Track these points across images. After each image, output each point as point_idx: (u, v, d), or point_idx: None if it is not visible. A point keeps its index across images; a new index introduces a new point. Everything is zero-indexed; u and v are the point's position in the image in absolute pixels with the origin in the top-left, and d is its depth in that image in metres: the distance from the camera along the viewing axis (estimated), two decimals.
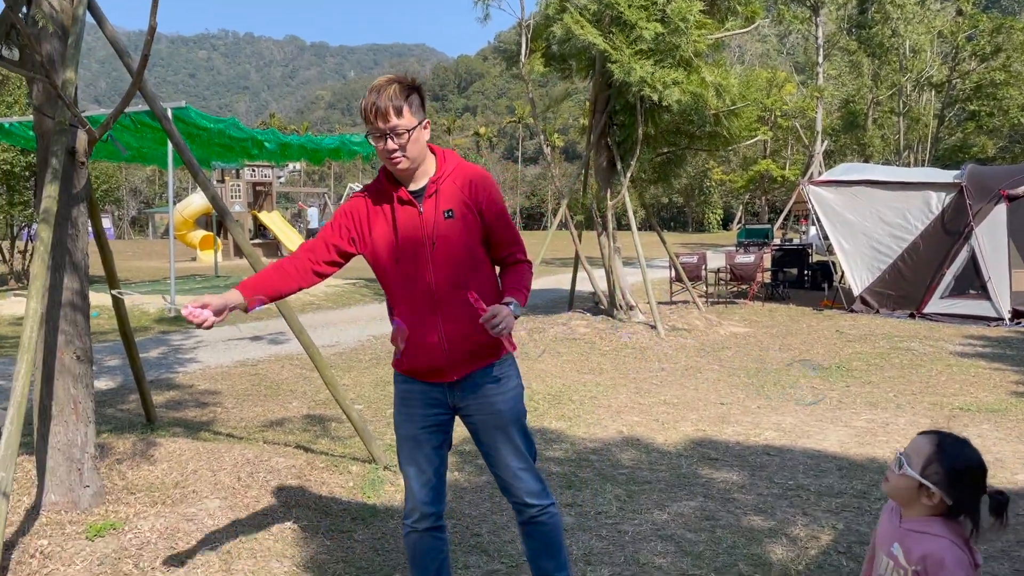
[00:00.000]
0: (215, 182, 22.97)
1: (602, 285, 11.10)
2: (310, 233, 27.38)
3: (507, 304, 2.41)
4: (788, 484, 4.38)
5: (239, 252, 23.43)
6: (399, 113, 2.36)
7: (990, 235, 10.53)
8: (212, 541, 3.48)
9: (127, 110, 9.92)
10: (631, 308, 10.46)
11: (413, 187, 2.49)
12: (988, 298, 10.55)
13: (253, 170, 23.94)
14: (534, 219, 68.18)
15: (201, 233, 23.60)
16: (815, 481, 4.43)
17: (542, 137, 12.45)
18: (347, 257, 2.59)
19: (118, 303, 4.94)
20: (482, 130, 76.86)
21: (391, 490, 4.25)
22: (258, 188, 24.48)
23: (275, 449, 4.84)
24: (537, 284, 16.24)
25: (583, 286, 12.66)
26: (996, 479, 4.40)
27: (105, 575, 3.16)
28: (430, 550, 2.63)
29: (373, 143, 2.41)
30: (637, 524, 3.83)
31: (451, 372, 2.53)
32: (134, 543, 3.40)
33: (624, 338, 9.38)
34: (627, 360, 8.26)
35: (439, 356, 2.50)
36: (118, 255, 4.79)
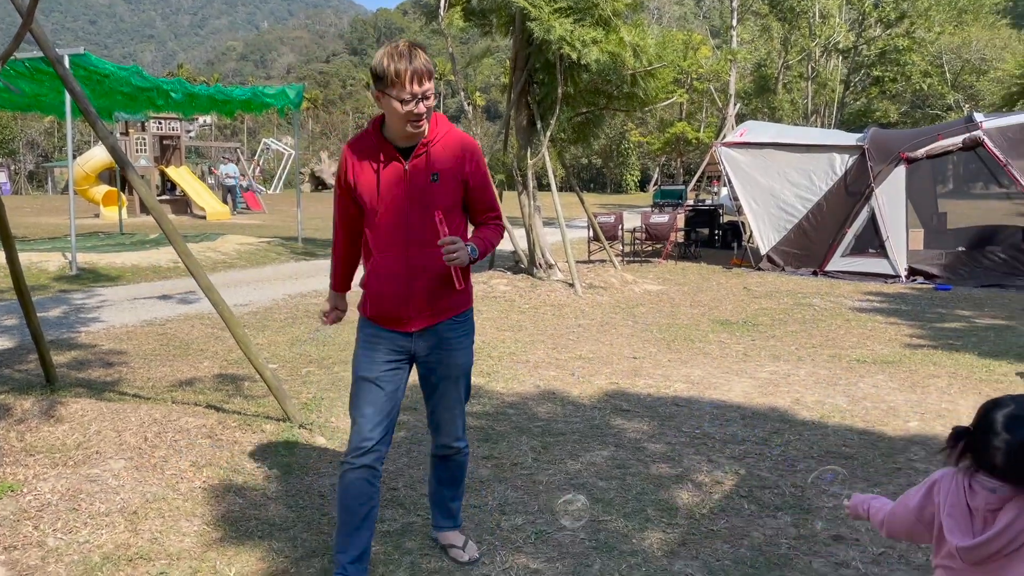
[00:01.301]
0: (118, 135, 21.92)
1: (522, 244, 11.16)
2: (228, 191, 26.24)
3: (466, 245, 2.61)
4: (695, 433, 4.55)
5: (145, 209, 22.52)
6: (430, 77, 2.49)
7: (889, 196, 11.01)
8: (117, 502, 3.40)
9: (21, 55, 9.35)
10: (550, 267, 10.56)
11: (403, 144, 2.61)
12: (886, 256, 11.07)
13: (159, 123, 22.93)
14: None
15: (104, 188, 22.56)
16: (720, 430, 4.61)
17: (463, 95, 12.31)
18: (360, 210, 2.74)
19: (12, 259, 4.70)
20: None
21: (306, 448, 4.23)
22: (165, 142, 23.49)
23: (184, 409, 4.73)
24: None
25: (503, 245, 12.69)
26: (889, 426, 4.68)
27: (3, 537, 3.05)
28: (362, 494, 2.68)
29: (397, 108, 2.47)
30: (551, 474, 3.92)
31: (417, 322, 2.69)
32: (34, 505, 3.29)
33: (543, 296, 9.48)
34: (545, 317, 8.36)
35: (407, 306, 2.65)
36: (15, 211, 4.53)
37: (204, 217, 22.33)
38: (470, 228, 2.84)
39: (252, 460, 4.01)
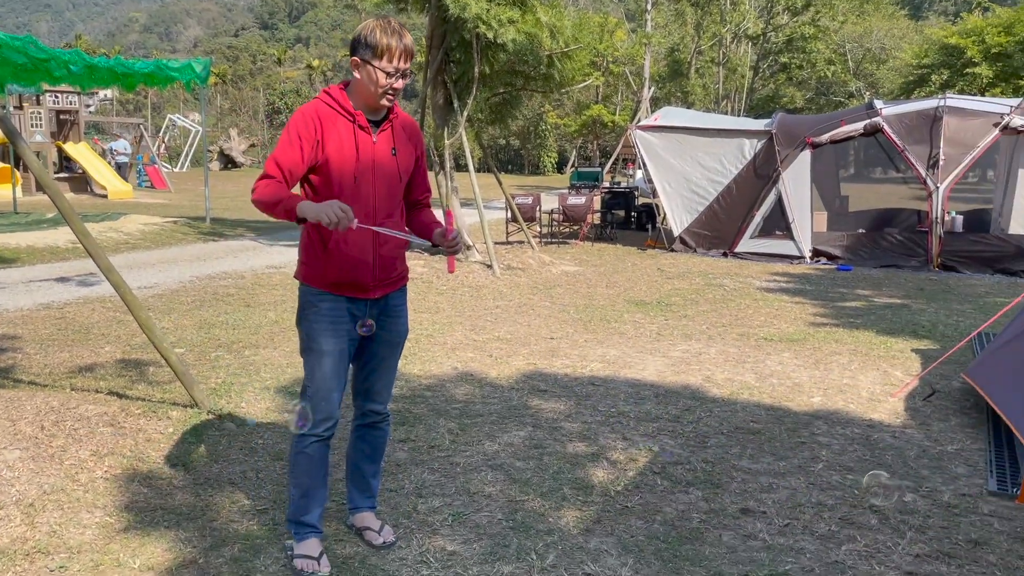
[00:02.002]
0: (11, 109, 20.69)
1: None
2: (119, 168, 24.91)
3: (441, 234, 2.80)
4: (610, 411, 4.62)
5: (41, 186, 21.38)
6: (413, 57, 2.66)
7: (795, 179, 11.40)
8: (12, 494, 3.22)
9: None
10: (468, 248, 10.53)
11: (370, 117, 2.71)
12: (792, 238, 11.47)
13: (56, 96, 21.75)
14: None
15: None
16: (635, 408, 4.69)
17: None
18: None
19: None
20: (315, 63, 73.57)
21: (215, 435, 4.10)
22: (63, 117, 22.30)
23: (84, 396, 4.52)
24: None
25: None
26: (794, 402, 4.85)
27: None
28: (324, 457, 2.86)
29: (378, 79, 2.60)
30: (468, 456, 3.92)
31: (376, 289, 2.79)
32: None
33: (461, 277, 9.45)
34: (463, 299, 8.34)
35: (368, 274, 2.74)
36: None
37: (106, 196, 21.34)
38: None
39: (157, 448, 3.86)
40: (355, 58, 2.63)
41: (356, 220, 2.54)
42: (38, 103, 21.61)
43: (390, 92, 2.65)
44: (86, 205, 18.13)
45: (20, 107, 21.18)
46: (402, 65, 2.62)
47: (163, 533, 3.04)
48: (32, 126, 21.37)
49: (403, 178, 2.79)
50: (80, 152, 22.23)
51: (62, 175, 22.07)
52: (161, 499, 3.33)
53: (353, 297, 2.77)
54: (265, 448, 3.96)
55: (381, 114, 2.73)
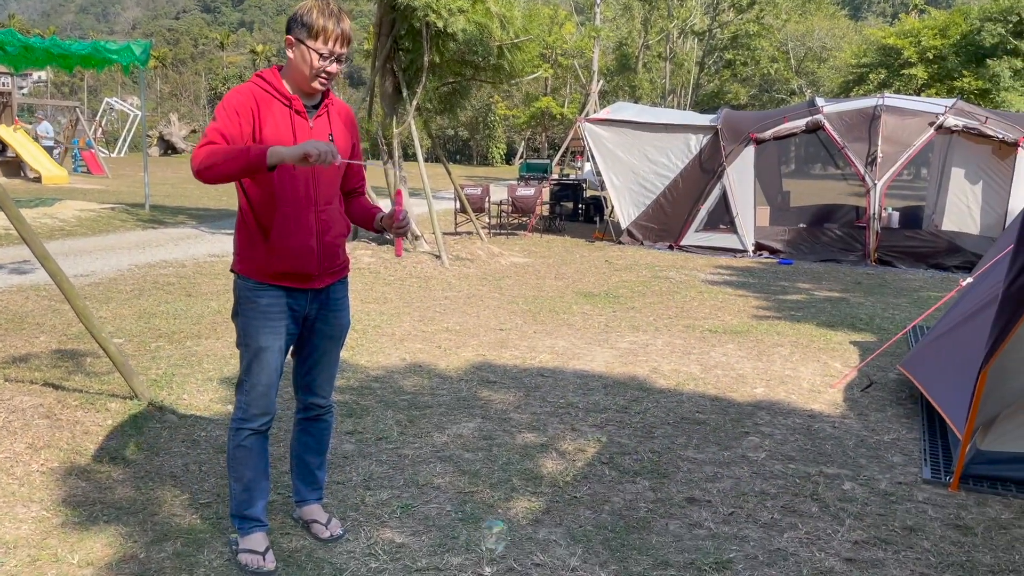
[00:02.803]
0: None
1: None
2: (47, 151, 23.90)
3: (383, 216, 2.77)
4: (559, 403, 4.65)
5: None
6: (351, 43, 2.61)
7: (739, 175, 11.60)
8: None
9: None
10: (416, 238, 10.46)
11: (304, 101, 2.65)
12: (735, 232, 11.68)
13: None
14: None
15: None
16: (583, 399, 4.73)
17: None
18: None
19: None
20: (259, 48, 72.08)
21: (156, 427, 4.00)
22: None
23: (18, 387, 4.36)
24: None
25: None
26: (738, 393, 4.95)
27: None
28: (263, 450, 2.81)
29: (313, 61, 2.53)
30: (417, 447, 3.90)
31: (319, 279, 2.73)
32: None
33: (409, 268, 9.38)
34: (411, 289, 8.29)
35: (313, 262, 2.67)
36: None
37: (39, 180, 20.62)
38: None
39: (96, 441, 3.75)
40: (289, 36, 2.58)
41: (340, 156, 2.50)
42: None
43: (323, 75, 2.58)
44: (19, 190, 17.47)
45: None
46: (337, 49, 2.56)
47: (103, 528, 2.96)
48: None
49: (340, 165, 2.70)
50: (12, 135, 21.42)
51: None
52: (100, 493, 3.24)
53: (294, 288, 2.70)
54: (208, 440, 3.88)
55: (316, 99, 2.68)
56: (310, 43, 2.53)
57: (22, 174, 21.52)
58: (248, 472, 2.78)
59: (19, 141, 21.46)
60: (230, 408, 4.33)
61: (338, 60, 2.58)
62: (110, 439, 3.80)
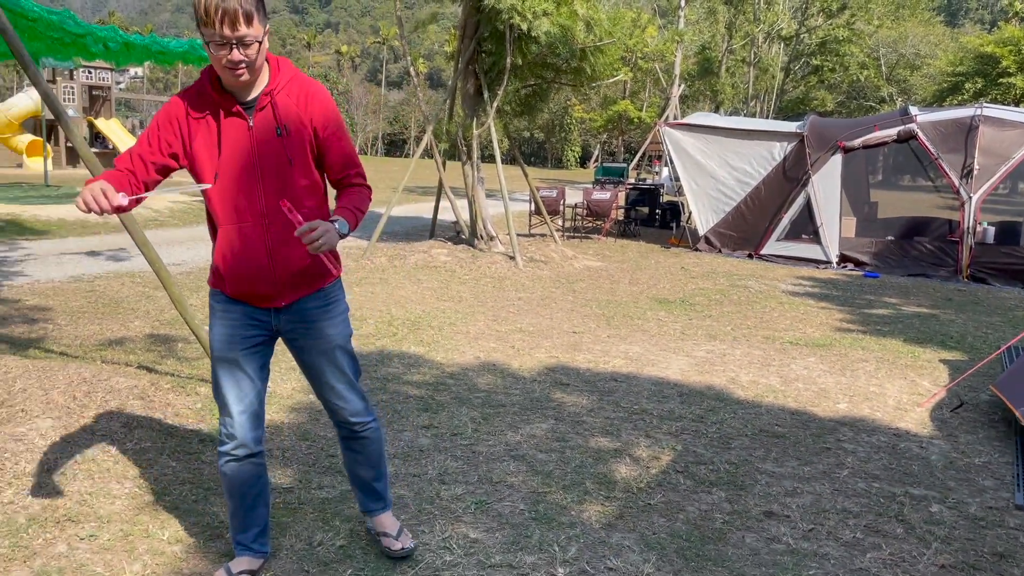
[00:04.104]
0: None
1: (464, 215, 11.09)
2: None
3: (332, 221, 2.27)
4: (633, 408, 4.62)
5: (72, 160, 21.61)
6: (249, 20, 2.15)
7: (825, 183, 11.29)
8: (45, 462, 3.27)
9: None
10: (491, 238, 10.53)
11: (243, 98, 2.30)
12: (819, 243, 11.37)
13: (89, 72, 21.95)
14: (396, 146, 66.72)
15: (28, 138, 21.54)
16: (658, 406, 4.68)
17: (408, 60, 12.09)
18: (168, 172, 2.37)
19: None
20: (344, 48, 73.74)
21: None
22: (95, 92, 22.51)
23: (115, 369, 4.57)
24: (399, 211, 16.00)
25: (445, 215, 12.60)
26: (820, 408, 4.82)
27: None
28: (250, 477, 2.55)
29: (212, 51, 2.16)
30: (491, 445, 3.93)
31: (279, 298, 2.43)
32: None
33: (483, 268, 9.46)
34: (486, 289, 8.35)
35: (267, 281, 2.38)
36: None
37: None
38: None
39: (186, 423, 3.90)
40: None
41: (122, 195, 2.12)
42: (71, 78, 21.82)
43: (229, 66, 2.18)
44: None
45: (53, 81, 21.42)
46: (228, 32, 2.13)
47: (191, 507, 3.08)
48: (64, 100, 21.58)
49: (294, 161, 2.34)
50: (111, 128, 22.44)
51: (93, 150, 22.29)
52: (189, 473, 3.37)
53: (255, 305, 2.44)
54: (290, 427, 4.00)
55: (256, 91, 2.31)
56: (205, 32, 2.16)
57: None
58: (232, 499, 2.57)
59: (117, 134, 22.47)
60: (311, 396, 4.45)
61: (240, 44, 2.16)
62: (199, 422, 3.95)
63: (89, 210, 2.09)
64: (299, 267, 2.40)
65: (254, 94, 2.30)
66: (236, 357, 2.44)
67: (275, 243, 2.34)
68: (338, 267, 2.37)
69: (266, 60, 2.33)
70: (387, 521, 2.83)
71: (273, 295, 2.41)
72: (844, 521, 3.30)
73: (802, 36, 37.05)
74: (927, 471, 3.90)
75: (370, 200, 2.52)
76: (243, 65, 2.19)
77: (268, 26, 2.28)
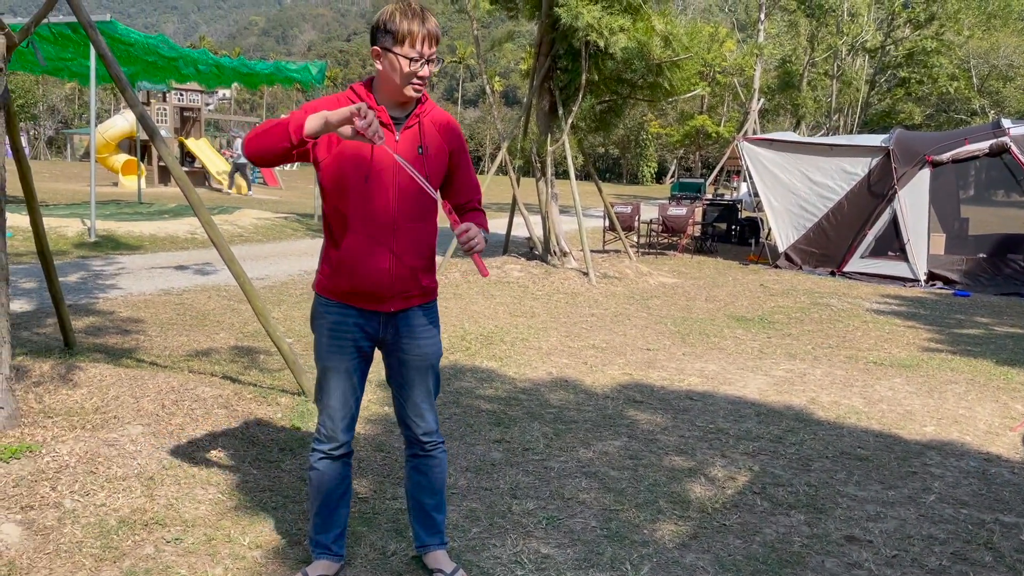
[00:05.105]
0: None
1: (537, 231, 11.13)
2: (237, 168, 25.67)
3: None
4: (709, 427, 4.54)
5: (164, 179, 22.61)
6: (439, 43, 2.43)
7: (912, 199, 10.91)
8: (134, 467, 3.42)
9: (46, 21, 9.35)
10: (565, 254, 10.54)
11: (394, 113, 2.49)
12: (906, 260, 10.98)
13: (181, 94, 22.96)
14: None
15: (124, 157, 22.64)
16: (734, 425, 4.59)
17: (484, 78, 12.26)
18: (304, 153, 2.43)
19: (36, 223, 4.72)
20: None
21: None
22: (186, 113, 23.53)
23: (201, 378, 4.75)
24: None
25: (518, 231, 12.68)
26: (905, 430, 4.65)
27: (20, 497, 3.08)
28: (338, 476, 2.69)
29: (406, 66, 2.38)
30: (563, 461, 3.92)
31: (391, 302, 2.56)
32: (52, 466, 3.31)
33: (557, 283, 9.46)
34: (559, 305, 8.35)
35: (385, 282, 2.51)
36: (33, 176, 4.52)
37: (221, 190, 22.38)
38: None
39: (267, 432, 4.02)
40: (375, 47, 2.42)
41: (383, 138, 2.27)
42: (164, 100, 22.86)
43: (416, 80, 2.42)
44: (204, 199, 19.06)
45: (147, 103, 22.47)
46: (426, 50, 2.38)
47: (272, 513, 3.17)
48: (157, 121, 22.62)
49: (429, 178, 2.50)
50: (200, 148, 23.39)
51: (184, 169, 23.23)
52: (270, 481, 3.47)
53: (364, 309, 2.56)
54: (367, 439, 4.07)
55: (407, 110, 2.50)
56: (397, 49, 2.37)
57: (207, 184, 23.42)
58: (319, 496, 2.69)
59: (205, 153, 23.40)
60: (387, 409, 4.52)
61: (429, 62, 2.42)
62: (280, 431, 4.06)
63: (363, 128, 2.21)
64: (413, 275, 2.55)
65: (405, 112, 2.51)
66: (347, 366, 2.59)
67: (398, 248, 2.50)
68: (486, 270, 2.45)
69: None
70: (443, 559, 2.79)
71: (386, 297, 2.54)
72: (930, 548, 3.16)
73: (888, 48, 35.97)
74: (1020, 498, 3.71)
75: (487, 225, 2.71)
76: (426, 81, 2.45)
77: None
